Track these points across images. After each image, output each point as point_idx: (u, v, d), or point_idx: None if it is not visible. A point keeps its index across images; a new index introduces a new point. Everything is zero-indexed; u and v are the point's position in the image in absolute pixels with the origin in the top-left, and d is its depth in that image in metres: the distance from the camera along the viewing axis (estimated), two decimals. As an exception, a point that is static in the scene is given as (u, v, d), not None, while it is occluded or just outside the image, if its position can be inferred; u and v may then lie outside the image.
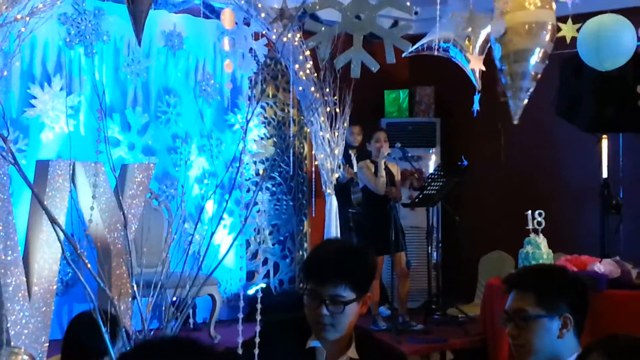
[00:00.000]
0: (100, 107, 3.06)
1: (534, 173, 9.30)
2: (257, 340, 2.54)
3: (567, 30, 5.93)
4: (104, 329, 2.44)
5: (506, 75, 5.72)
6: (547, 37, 5.72)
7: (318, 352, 2.99)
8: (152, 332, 2.71)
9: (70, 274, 7.27)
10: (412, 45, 6.73)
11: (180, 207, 7.02)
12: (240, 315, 2.54)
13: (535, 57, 5.65)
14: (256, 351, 2.50)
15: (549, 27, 5.66)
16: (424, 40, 6.58)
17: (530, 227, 6.81)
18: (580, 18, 6.50)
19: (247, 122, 2.90)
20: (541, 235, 6.81)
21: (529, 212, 6.82)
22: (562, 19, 6.25)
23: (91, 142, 7.31)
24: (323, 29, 4.74)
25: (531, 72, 5.66)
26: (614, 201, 8.26)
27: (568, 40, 5.93)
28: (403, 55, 5.63)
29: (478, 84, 6.33)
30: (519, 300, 2.88)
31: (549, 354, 2.84)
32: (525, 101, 5.74)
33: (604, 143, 8.44)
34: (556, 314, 2.83)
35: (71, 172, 5.76)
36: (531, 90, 5.74)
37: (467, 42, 6.18)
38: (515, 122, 5.86)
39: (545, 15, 5.61)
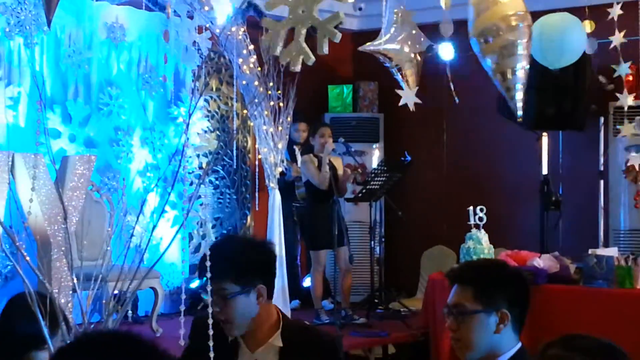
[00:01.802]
0: (40, 98, 3.02)
1: (476, 169, 9.39)
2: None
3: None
4: (41, 319, 2.41)
5: (496, 73, 5.60)
6: (527, 27, 5.63)
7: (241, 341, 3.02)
8: (92, 326, 2.68)
9: (9, 267, 7.16)
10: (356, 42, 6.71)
11: (122, 200, 6.97)
12: (182, 308, 2.53)
13: (523, 49, 5.58)
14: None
15: (528, 15, 5.62)
16: (373, 47, 6.53)
17: (472, 222, 6.88)
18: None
19: (190, 115, 2.89)
20: (482, 230, 6.89)
21: (471, 207, 6.90)
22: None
23: (31, 134, 7.19)
24: (275, 27, 4.71)
25: (520, 67, 5.57)
26: (554, 197, 8.38)
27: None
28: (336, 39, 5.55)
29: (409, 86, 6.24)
30: (459, 294, 2.90)
31: (486, 348, 2.86)
32: (521, 95, 5.62)
33: (544, 140, 8.55)
34: (493, 309, 2.85)
35: (10, 163, 5.67)
36: (525, 82, 5.63)
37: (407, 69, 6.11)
38: (519, 119, 5.75)
39: (518, 5, 5.56)
